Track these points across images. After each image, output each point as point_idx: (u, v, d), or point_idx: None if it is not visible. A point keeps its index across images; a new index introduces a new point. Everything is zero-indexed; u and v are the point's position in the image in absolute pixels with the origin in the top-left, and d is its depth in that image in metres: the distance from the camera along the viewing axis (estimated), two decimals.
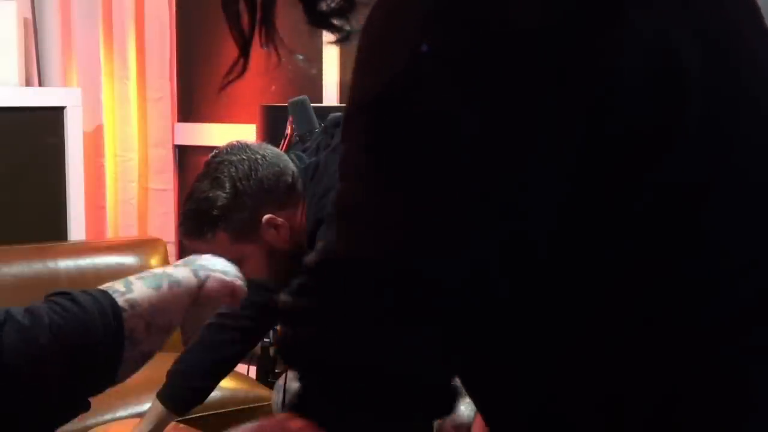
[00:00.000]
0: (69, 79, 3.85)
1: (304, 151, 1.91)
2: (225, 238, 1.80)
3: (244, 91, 3.96)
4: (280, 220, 1.81)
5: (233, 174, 1.78)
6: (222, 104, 4.04)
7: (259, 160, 1.80)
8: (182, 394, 2.11)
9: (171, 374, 2.13)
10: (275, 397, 2.40)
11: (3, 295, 3.11)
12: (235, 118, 3.92)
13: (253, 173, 1.79)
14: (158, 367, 3.06)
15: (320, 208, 1.77)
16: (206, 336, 2.15)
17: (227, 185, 1.78)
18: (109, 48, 3.95)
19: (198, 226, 1.81)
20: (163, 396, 2.10)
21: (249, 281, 2.10)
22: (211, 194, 1.79)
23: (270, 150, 1.85)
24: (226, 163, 1.80)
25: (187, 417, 2.51)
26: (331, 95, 3.64)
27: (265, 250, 1.83)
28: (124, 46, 3.94)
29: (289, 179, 1.82)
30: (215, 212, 1.78)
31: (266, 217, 1.80)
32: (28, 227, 3.44)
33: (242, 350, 2.21)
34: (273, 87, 3.72)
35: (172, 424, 2.38)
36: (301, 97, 2.02)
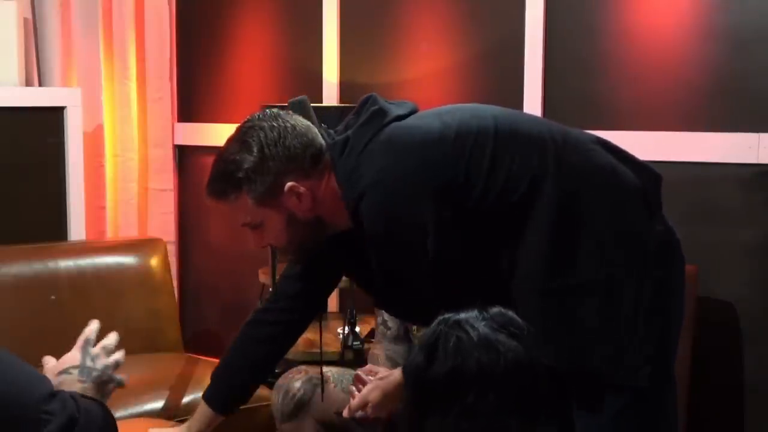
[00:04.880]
0: (69, 79, 3.85)
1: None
2: (247, 201, 1.83)
3: (244, 91, 3.96)
4: (302, 188, 1.83)
5: (262, 139, 1.81)
6: (222, 104, 4.04)
7: (289, 129, 1.83)
8: (224, 394, 2.15)
9: (213, 375, 2.18)
10: (275, 397, 2.40)
11: (3, 295, 3.11)
12: (235, 118, 3.90)
13: (281, 140, 1.81)
14: (158, 368, 3.07)
15: (354, 182, 1.79)
16: (245, 333, 2.17)
17: (255, 149, 1.81)
18: (109, 48, 3.95)
19: (223, 187, 1.84)
20: (206, 397, 2.15)
21: (284, 274, 2.13)
22: (238, 156, 1.81)
23: (301, 121, 1.87)
24: (256, 128, 1.83)
25: (186, 417, 2.52)
26: (331, 95, 3.65)
27: (285, 217, 1.85)
28: (124, 46, 3.95)
29: (316, 151, 1.84)
30: (240, 174, 1.81)
31: (289, 184, 1.82)
32: (28, 227, 3.45)
33: (283, 346, 2.20)
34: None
35: (172, 423, 2.38)
36: (301, 97, 2.02)
